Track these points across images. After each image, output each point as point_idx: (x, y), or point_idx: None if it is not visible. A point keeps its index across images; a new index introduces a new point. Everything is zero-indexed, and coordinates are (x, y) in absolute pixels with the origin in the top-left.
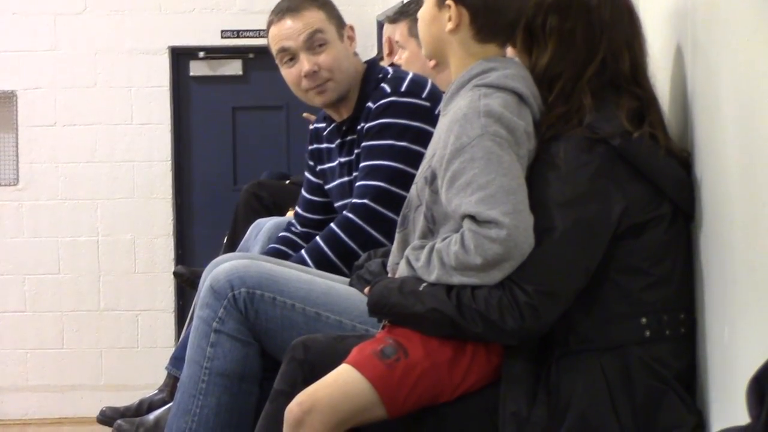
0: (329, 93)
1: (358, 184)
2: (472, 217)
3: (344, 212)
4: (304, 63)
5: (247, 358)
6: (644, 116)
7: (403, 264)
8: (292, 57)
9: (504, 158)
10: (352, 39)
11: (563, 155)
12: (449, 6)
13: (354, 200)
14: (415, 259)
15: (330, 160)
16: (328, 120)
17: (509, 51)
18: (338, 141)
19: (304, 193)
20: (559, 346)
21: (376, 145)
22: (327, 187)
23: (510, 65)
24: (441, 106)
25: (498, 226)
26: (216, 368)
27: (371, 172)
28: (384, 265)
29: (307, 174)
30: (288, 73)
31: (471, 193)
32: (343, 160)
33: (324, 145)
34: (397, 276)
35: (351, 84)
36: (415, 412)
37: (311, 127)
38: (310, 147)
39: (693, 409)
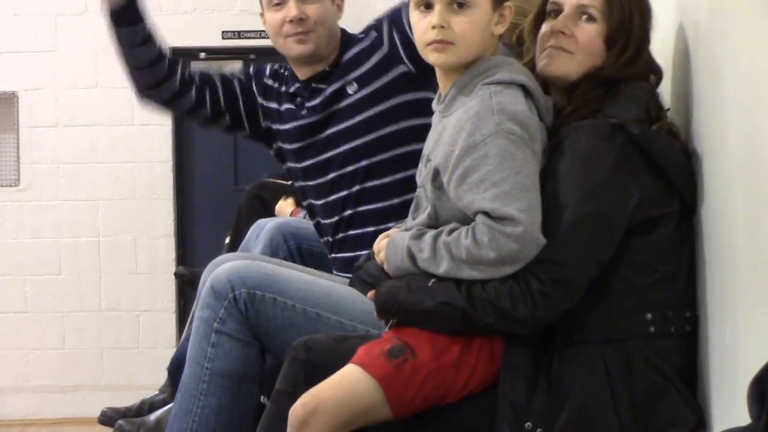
0: (309, 44)
1: None
2: (486, 213)
3: None
4: (292, 8)
5: (247, 358)
6: (660, 108)
7: (404, 255)
8: (280, 2)
9: (518, 155)
10: (340, 8)
11: (582, 144)
12: (509, 6)
13: None
14: (419, 250)
15: (284, 122)
16: (280, 79)
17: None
18: (308, 102)
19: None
20: (563, 336)
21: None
22: (288, 147)
23: (510, 60)
24: (440, 107)
25: (514, 223)
26: (217, 369)
27: None
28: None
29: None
30: (272, 17)
31: (485, 190)
32: (312, 119)
33: (273, 105)
34: (390, 257)
35: (330, 45)
36: (419, 413)
37: (259, 80)
38: (260, 99)
39: (695, 407)
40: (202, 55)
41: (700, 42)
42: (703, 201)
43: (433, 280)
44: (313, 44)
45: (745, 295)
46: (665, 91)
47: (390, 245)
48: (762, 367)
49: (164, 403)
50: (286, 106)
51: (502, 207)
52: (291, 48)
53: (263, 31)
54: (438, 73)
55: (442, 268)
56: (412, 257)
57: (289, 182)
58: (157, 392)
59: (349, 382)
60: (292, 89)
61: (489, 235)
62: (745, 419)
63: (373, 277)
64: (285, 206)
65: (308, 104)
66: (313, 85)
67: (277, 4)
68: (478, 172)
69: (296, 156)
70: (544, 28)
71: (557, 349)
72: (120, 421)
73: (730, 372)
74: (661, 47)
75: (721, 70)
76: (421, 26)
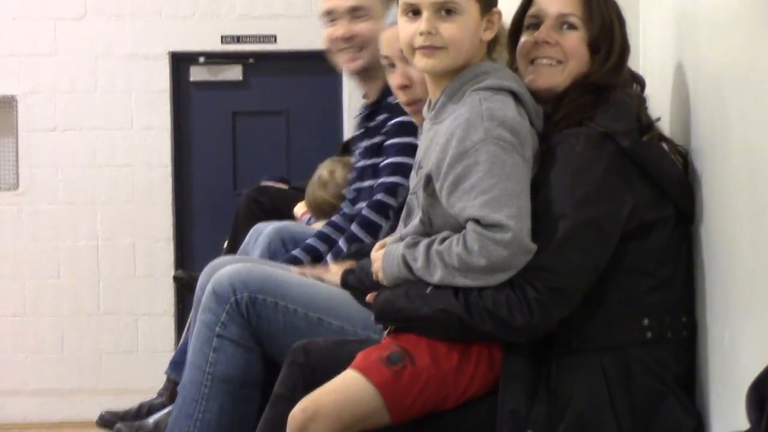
0: (357, 62)
1: (379, 181)
2: (476, 221)
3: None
4: (339, 27)
5: (249, 363)
6: (649, 116)
7: (400, 264)
8: (333, 18)
9: (507, 162)
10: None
11: (574, 152)
12: (497, 13)
13: (375, 197)
14: (413, 259)
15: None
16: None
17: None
18: (364, 127)
19: None
20: (560, 345)
21: (396, 142)
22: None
23: (498, 67)
24: (430, 114)
25: (503, 230)
26: (218, 373)
27: (389, 169)
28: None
29: None
30: (325, 32)
31: (475, 197)
32: (365, 144)
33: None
34: (386, 267)
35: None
36: (418, 419)
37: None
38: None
39: (692, 412)
40: (201, 59)
41: (699, 47)
42: (702, 206)
43: (430, 287)
44: (362, 61)
45: (744, 300)
46: (665, 96)
47: (386, 256)
48: (761, 372)
49: (162, 406)
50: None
51: (491, 214)
52: (341, 65)
53: (262, 35)
54: (427, 79)
55: (436, 276)
56: (407, 266)
57: (287, 186)
58: (155, 395)
59: (348, 388)
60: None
61: (479, 242)
62: (743, 424)
63: (360, 282)
64: (300, 208)
65: (364, 144)
66: (366, 124)
67: (331, 21)
68: (468, 180)
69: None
70: (524, 39)
71: (555, 357)
72: (118, 425)
73: (729, 377)
74: (660, 53)
75: (720, 75)
76: (409, 32)
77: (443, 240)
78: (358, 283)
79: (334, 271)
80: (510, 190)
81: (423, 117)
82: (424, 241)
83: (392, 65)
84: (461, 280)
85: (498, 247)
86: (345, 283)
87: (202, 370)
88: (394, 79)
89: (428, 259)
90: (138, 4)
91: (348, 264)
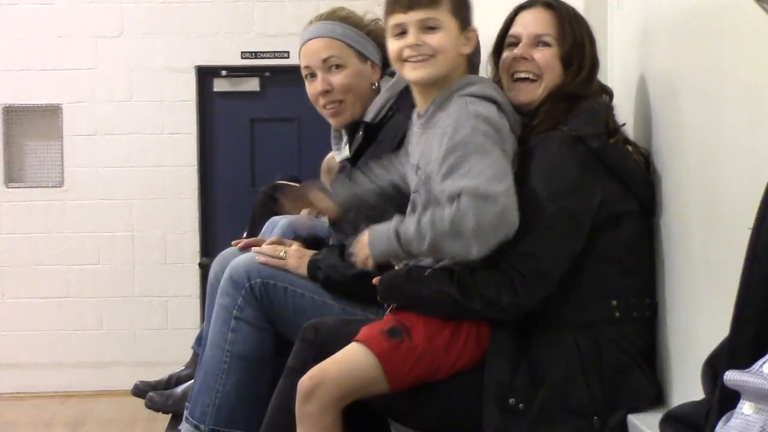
0: (343, 116)
1: None
2: (470, 192)
3: None
4: (318, 82)
5: (263, 341)
6: (616, 121)
7: (390, 236)
8: (312, 74)
9: (495, 151)
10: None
11: (550, 152)
12: (473, 30)
13: None
14: (405, 228)
15: None
16: None
17: None
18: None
19: None
20: (540, 322)
21: None
22: None
23: (483, 79)
24: (420, 121)
25: (496, 202)
26: (236, 351)
27: None
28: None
29: None
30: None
31: (471, 178)
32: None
33: None
34: (375, 243)
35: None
36: (413, 388)
37: None
38: None
39: (654, 381)
40: (224, 72)
41: (658, 63)
42: (663, 204)
43: (429, 269)
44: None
45: (699, 285)
46: (628, 109)
47: (371, 235)
48: (714, 349)
49: (189, 377)
50: None
51: (485, 186)
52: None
53: (277, 51)
54: (416, 91)
55: (426, 242)
56: (398, 237)
57: (299, 185)
58: (183, 368)
59: (352, 357)
60: None
61: (474, 207)
62: (699, 394)
63: (327, 278)
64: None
65: None
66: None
67: (311, 75)
68: (462, 168)
69: None
70: (505, 55)
71: (535, 333)
72: (151, 393)
73: (687, 352)
74: (625, 67)
75: (677, 87)
76: (397, 47)
77: (435, 212)
78: (325, 278)
79: (294, 261)
80: (500, 172)
81: (344, 120)
82: (416, 213)
83: (313, 75)
84: (449, 244)
85: (487, 216)
86: (314, 277)
87: (222, 349)
88: (315, 87)
89: (419, 226)
90: (168, 24)
91: (302, 253)
